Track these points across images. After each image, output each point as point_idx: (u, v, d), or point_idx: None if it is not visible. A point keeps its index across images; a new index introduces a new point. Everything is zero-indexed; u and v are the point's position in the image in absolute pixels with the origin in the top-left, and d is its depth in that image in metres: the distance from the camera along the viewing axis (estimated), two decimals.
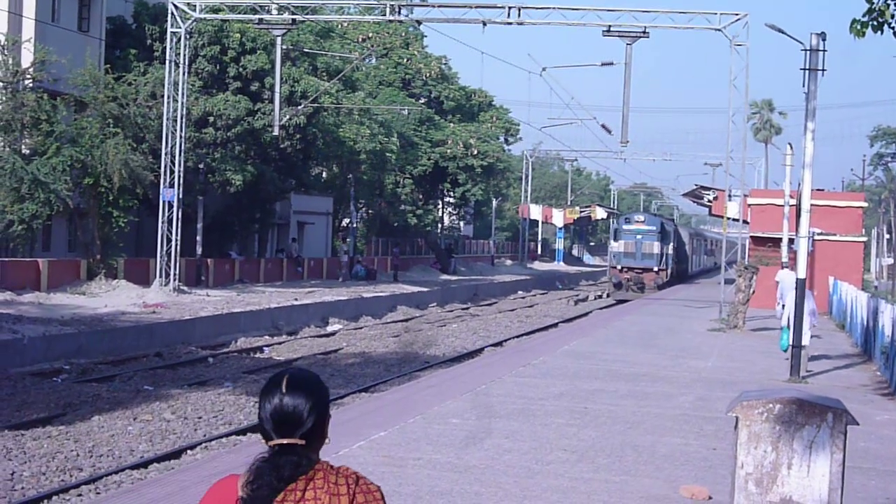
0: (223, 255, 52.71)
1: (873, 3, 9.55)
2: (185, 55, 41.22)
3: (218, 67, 47.93)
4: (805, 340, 24.92)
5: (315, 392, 3.92)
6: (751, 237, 48.58)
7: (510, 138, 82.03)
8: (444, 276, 71.86)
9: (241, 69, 47.89)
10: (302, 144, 52.28)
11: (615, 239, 63.60)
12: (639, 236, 62.00)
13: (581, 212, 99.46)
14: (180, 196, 41.08)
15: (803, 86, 23.85)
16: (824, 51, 23.90)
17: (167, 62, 40.92)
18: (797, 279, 24.08)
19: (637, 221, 63.31)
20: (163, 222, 40.74)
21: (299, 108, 48.16)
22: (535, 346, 28.18)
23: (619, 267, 61.81)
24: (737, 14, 37.76)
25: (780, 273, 29.27)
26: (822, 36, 24.07)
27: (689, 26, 38.06)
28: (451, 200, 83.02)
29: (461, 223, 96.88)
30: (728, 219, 46.39)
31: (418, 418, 16.16)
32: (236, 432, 18.79)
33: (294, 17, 40.56)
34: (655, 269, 61.31)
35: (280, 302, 41.15)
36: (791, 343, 23.49)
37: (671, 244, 63.94)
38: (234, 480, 3.93)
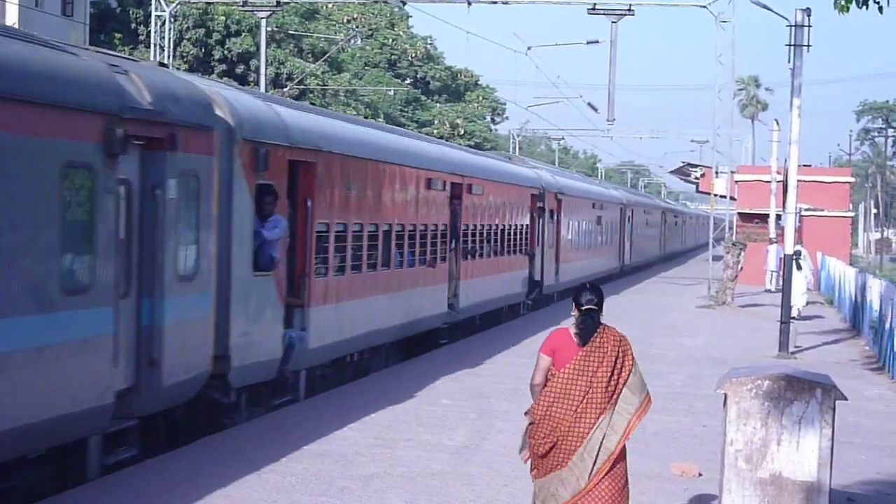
0: None
1: None
2: (169, 38, 41.01)
3: (203, 50, 47.77)
4: (801, 301, 29.88)
5: (600, 291, 8.52)
6: (738, 213, 48.65)
7: (497, 118, 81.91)
8: None
9: (226, 52, 47.73)
10: None
11: None
12: None
13: None
14: None
15: (789, 62, 23.88)
16: (809, 26, 23.90)
17: (152, 46, 40.72)
18: (784, 255, 24.21)
19: None
20: None
21: (285, 89, 48.00)
22: (526, 326, 28.19)
23: None
24: None
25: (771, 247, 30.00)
26: (807, 11, 24.07)
27: (674, 3, 37.98)
28: None
29: None
30: (715, 195, 46.47)
31: (409, 400, 16.19)
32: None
33: None
34: None
35: None
36: (781, 319, 23.59)
37: None
38: (566, 329, 8.43)
